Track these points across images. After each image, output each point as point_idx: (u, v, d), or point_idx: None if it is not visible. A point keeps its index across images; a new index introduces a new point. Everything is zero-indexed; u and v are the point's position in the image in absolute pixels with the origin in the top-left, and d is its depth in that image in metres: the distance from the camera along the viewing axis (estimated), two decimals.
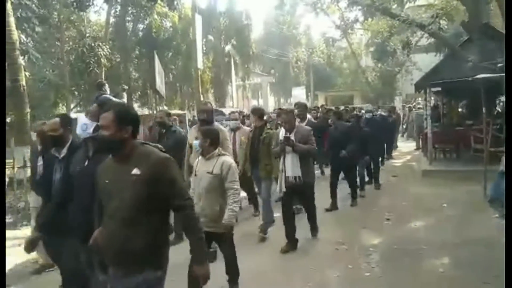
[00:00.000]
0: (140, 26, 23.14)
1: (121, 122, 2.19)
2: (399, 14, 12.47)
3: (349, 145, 6.56)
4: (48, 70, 17.33)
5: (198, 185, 3.63)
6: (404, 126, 19.07)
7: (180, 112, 16.15)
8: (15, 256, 5.17)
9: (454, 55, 10.56)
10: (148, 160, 2.16)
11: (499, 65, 7.69)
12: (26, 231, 5.76)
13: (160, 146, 2.32)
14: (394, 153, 13.17)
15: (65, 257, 3.19)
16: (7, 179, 6.84)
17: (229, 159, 3.68)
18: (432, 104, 12.30)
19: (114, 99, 7.48)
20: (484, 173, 6.87)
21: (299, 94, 36.13)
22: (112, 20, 21.36)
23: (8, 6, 8.62)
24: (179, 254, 3.39)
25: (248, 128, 6.28)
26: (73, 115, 18.66)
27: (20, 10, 14.15)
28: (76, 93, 19.25)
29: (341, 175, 6.98)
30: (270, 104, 33.52)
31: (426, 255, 4.63)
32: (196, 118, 8.63)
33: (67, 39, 18.68)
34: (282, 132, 4.83)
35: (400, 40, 20.50)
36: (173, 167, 2.23)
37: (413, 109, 19.27)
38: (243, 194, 6.24)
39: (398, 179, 9.49)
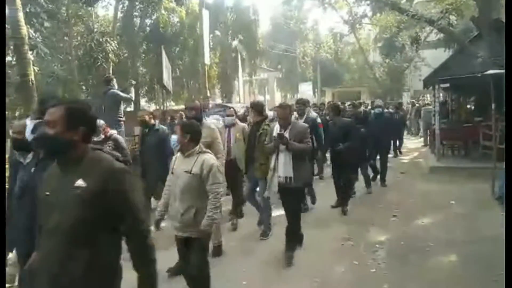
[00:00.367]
0: (148, 21, 23.15)
1: (71, 120, 1.80)
2: (408, 9, 12.37)
3: (347, 142, 6.28)
4: (56, 65, 17.42)
5: (175, 184, 3.31)
6: (408, 123, 18.95)
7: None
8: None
9: (463, 50, 10.46)
10: (97, 170, 1.77)
11: None
12: None
13: (117, 154, 1.98)
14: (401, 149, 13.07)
15: None
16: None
17: (211, 157, 3.34)
18: (440, 100, 12.18)
19: (121, 93, 7.55)
20: (492, 171, 6.81)
21: (306, 89, 36.04)
22: (120, 15, 21.41)
23: (18, 1, 8.67)
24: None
25: (243, 124, 6.06)
26: None
27: (29, 5, 14.22)
28: (84, 88, 19.33)
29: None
30: (276, 99, 33.40)
31: (433, 252, 4.62)
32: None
33: (75, 34, 18.76)
34: (276, 128, 4.53)
35: (408, 36, 20.31)
36: (127, 181, 1.80)
37: (416, 104, 19.11)
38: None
39: (406, 175, 9.45)
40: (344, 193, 6.58)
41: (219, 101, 25.64)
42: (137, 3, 21.50)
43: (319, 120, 7.09)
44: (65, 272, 1.71)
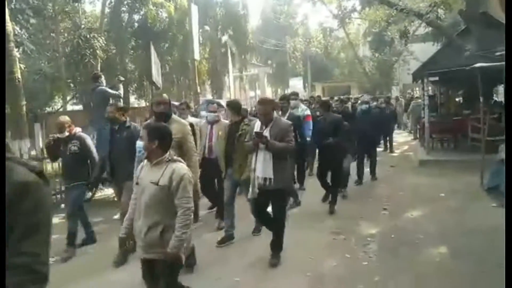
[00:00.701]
0: (136, 17, 22.90)
1: None
2: (397, 3, 12.40)
3: (336, 137, 6.09)
4: (43, 62, 17.16)
5: (140, 198, 2.89)
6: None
7: (175, 103, 16.05)
8: None
9: (451, 44, 10.54)
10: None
11: (497, 54, 7.67)
12: None
13: (32, 164, 1.43)
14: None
15: None
16: None
17: (182, 167, 2.88)
18: (429, 94, 12.27)
19: (110, 90, 7.47)
20: (481, 163, 6.89)
21: (296, 84, 36.15)
22: (107, 10, 21.15)
23: None
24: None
25: (226, 121, 5.61)
26: (69, 107, 18.60)
27: (14, 1, 13.98)
28: (72, 85, 19.09)
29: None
30: (267, 95, 33.41)
31: (423, 244, 4.66)
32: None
33: (62, 30, 18.49)
34: (257, 125, 4.21)
35: (397, 30, 20.38)
36: (31, 198, 1.30)
37: (400, 99, 19.21)
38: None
39: (395, 169, 9.52)
40: (332, 188, 6.31)
41: (209, 97, 25.53)
42: None
43: (308, 112, 7.14)
44: None
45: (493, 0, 9.55)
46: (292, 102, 7.03)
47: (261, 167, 4.07)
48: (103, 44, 17.59)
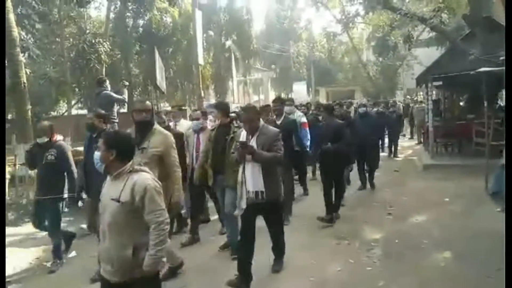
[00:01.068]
0: (140, 22, 23.07)
1: None
2: (401, 8, 12.45)
3: (337, 143, 5.69)
4: (48, 67, 17.31)
5: (103, 217, 2.52)
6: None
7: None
8: (18, 254, 5.20)
9: (455, 48, 10.53)
10: None
11: (501, 58, 7.64)
12: (28, 228, 5.79)
13: None
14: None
15: None
16: (9, 176, 6.87)
17: (144, 178, 2.49)
18: (433, 98, 12.25)
19: (115, 95, 7.50)
20: (486, 167, 6.86)
21: (300, 89, 36.15)
22: (112, 16, 21.32)
23: (8, 3, 8.60)
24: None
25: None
26: (74, 111, 18.71)
27: (20, 7, 14.13)
28: (77, 89, 19.23)
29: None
30: (271, 99, 33.48)
31: (428, 249, 4.64)
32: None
33: (67, 35, 18.64)
34: (243, 135, 3.89)
35: (401, 34, 20.43)
36: None
37: (398, 103, 19.01)
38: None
39: (400, 173, 9.49)
40: (335, 199, 5.90)
41: (213, 101, 25.60)
42: (129, 4, 21.42)
43: (304, 119, 6.79)
44: None
45: (497, 4, 9.55)
46: (287, 108, 6.65)
47: (251, 180, 3.75)
48: (108, 49, 17.74)
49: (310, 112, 9.74)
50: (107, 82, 7.63)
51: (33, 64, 14.72)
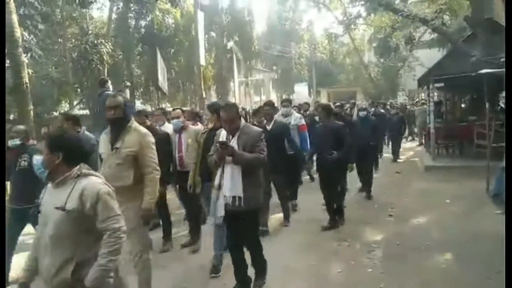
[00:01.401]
0: (142, 23, 23.14)
1: None
2: (402, 9, 12.44)
3: (341, 149, 5.31)
4: (50, 67, 17.38)
5: (43, 229, 2.22)
6: None
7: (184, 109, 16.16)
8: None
9: (457, 50, 10.52)
10: None
11: (502, 60, 7.64)
12: (30, 229, 5.80)
13: None
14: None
15: None
16: None
17: (95, 182, 2.23)
18: (434, 100, 12.24)
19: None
20: (487, 169, 6.86)
21: (301, 90, 36.15)
22: (114, 16, 21.39)
23: (11, 4, 8.64)
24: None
25: (196, 127, 5.06)
26: (75, 112, 18.77)
27: (23, 7, 14.18)
28: (79, 90, 19.30)
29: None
30: (273, 100, 33.51)
31: (429, 251, 4.63)
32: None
33: (69, 36, 18.72)
34: (222, 135, 3.57)
35: (403, 36, 20.43)
36: None
37: (395, 105, 18.78)
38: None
39: (401, 175, 9.48)
40: (338, 207, 5.70)
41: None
42: (131, 5, 21.50)
43: (302, 121, 6.58)
44: None
45: (499, 5, 9.54)
46: (284, 110, 6.62)
47: (229, 184, 3.42)
48: (110, 50, 17.81)
49: (307, 113, 9.44)
50: (109, 82, 7.67)
51: (35, 65, 14.78)
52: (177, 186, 5.40)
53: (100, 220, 2.17)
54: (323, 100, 30.36)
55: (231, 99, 26.81)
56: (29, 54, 13.82)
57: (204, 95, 17.06)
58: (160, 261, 4.45)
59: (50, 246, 2.16)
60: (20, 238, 4.74)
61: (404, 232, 5.40)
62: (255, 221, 3.68)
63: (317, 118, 7.59)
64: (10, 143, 4.21)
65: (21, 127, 4.52)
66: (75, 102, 19.78)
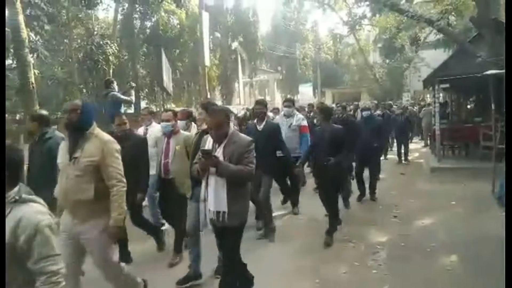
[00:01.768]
0: (148, 24, 23.27)
1: None
2: (407, 10, 12.37)
3: (340, 154, 4.94)
4: (56, 68, 17.52)
5: None
6: None
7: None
8: None
9: (463, 51, 10.46)
10: None
11: None
12: None
13: None
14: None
15: None
16: None
17: (37, 210, 1.87)
18: (440, 101, 12.19)
19: (122, 96, 7.57)
20: (493, 170, 6.82)
21: (306, 91, 36.14)
22: (119, 17, 21.52)
23: (18, 5, 8.71)
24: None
25: (187, 134, 4.64)
26: None
27: (29, 8, 14.30)
28: (84, 90, 19.42)
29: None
30: (277, 101, 33.49)
31: (434, 252, 4.61)
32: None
33: (75, 37, 18.85)
34: (208, 142, 3.23)
35: (408, 36, 20.39)
36: None
37: (394, 106, 18.55)
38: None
39: (406, 176, 9.45)
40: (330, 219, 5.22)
41: (219, 103, 25.66)
42: (137, 6, 21.61)
43: (304, 122, 6.34)
44: None
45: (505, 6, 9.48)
46: (286, 110, 6.38)
47: (213, 197, 3.11)
48: (116, 50, 17.91)
49: (312, 114, 9.26)
50: (115, 83, 7.71)
51: (41, 65, 14.91)
52: (158, 193, 4.93)
53: (36, 259, 1.79)
54: (328, 101, 30.37)
55: (236, 100, 26.89)
56: (35, 55, 13.94)
57: (208, 96, 17.10)
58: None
59: None
60: None
61: (408, 233, 5.38)
62: (238, 238, 3.27)
63: (315, 120, 7.28)
64: None
65: None
66: None
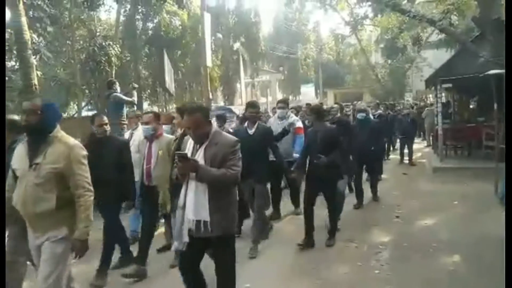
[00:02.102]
0: (150, 25, 23.33)
1: None
2: (409, 10, 12.36)
3: (331, 154, 4.77)
4: (59, 69, 17.59)
5: None
6: None
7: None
8: None
9: (465, 50, 10.44)
10: None
11: None
12: None
13: None
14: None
15: None
16: None
17: None
18: (442, 101, 12.16)
19: (124, 97, 7.60)
20: (495, 170, 6.80)
21: (308, 91, 36.18)
22: (122, 19, 21.58)
23: (21, 7, 8.75)
24: None
25: (170, 137, 4.38)
26: (84, 113, 18.95)
27: (32, 10, 14.35)
28: (87, 91, 19.49)
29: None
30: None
31: (436, 253, 4.61)
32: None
33: (78, 38, 18.91)
34: (189, 144, 2.97)
35: (410, 36, 20.37)
36: None
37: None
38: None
39: (409, 176, 9.44)
40: (333, 221, 5.11)
41: (221, 103, 25.72)
42: (139, 7, 21.67)
43: (299, 124, 6.17)
44: None
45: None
46: (279, 112, 6.14)
47: (192, 205, 2.77)
48: (118, 52, 17.96)
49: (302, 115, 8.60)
50: (117, 84, 7.74)
51: (44, 67, 14.96)
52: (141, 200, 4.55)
53: None
54: (330, 101, 30.35)
55: (238, 100, 26.92)
56: (38, 56, 13.97)
57: (210, 96, 17.11)
58: None
59: None
60: None
61: (411, 233, 5.38)
62: (229, 251, 2.91)
63: (307, 121, 6.99)
64: None
65: None
66: (83, 104, 19.96)
